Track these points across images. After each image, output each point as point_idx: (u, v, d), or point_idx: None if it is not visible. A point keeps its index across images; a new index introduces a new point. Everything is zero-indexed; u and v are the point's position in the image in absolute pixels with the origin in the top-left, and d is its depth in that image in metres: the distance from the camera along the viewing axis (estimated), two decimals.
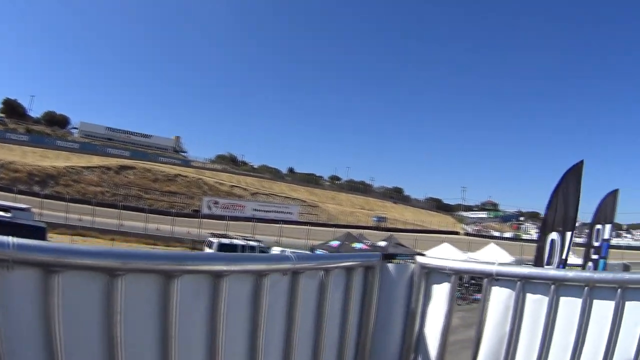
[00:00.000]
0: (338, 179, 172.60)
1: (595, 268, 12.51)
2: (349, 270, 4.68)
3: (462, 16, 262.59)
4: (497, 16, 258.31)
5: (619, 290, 4.02)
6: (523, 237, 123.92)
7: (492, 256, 43.65)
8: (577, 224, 9.52)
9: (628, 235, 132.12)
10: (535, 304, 4.38)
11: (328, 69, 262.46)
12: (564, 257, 9.02)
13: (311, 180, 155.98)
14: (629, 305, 4.00)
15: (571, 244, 9.12)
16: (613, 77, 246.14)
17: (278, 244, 52.85)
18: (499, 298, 4.58)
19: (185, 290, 3.28)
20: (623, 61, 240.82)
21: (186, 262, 3.37)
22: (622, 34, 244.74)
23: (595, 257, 12.61)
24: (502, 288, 4.57)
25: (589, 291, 4.15)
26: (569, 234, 9.02)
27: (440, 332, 4.80)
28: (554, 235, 9.14)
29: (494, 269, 4.64)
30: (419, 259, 5.11)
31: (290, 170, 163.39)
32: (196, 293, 3.41)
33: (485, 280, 4.67)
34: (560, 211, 9.28)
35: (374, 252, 5.22)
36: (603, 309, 4.09)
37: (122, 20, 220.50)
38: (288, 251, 33.13)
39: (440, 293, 4.89)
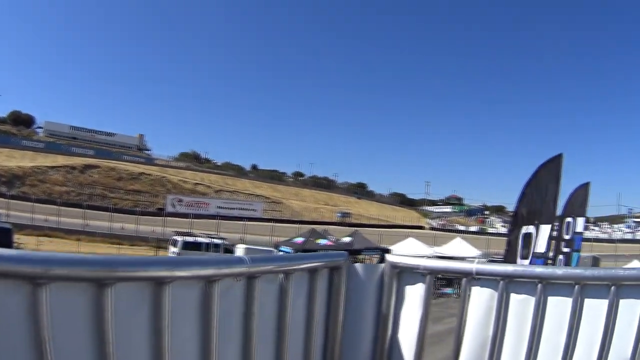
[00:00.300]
0: (301, 175, 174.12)
1: (567, 261, 12.43)
2: (312, 272, 4.19)
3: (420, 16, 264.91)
4: (460, 20, 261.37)
5: (612, 287, 3.69)
6: (489, 231, 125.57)
7: (458, 250, 44.77)
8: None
9: (596, 228, 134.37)
10: (521, 304, 4.02)
11: (289, 67, 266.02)
12: (537, 250, 8.94)
13: (274, 177, 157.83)
14: (624, 303, 3.68)
15: (550, 238, 9.07)
16: (577, 75, 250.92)
17: (243, 242, 52.57)
18: (480, 299, 4.19)
19: (121, 300, 2.76)
20: (587, 60, 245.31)
21: (119, 268, 2.80)
22: (573, 35, 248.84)
23: (566, 250, 12.49)
24: (483, 288, 4.18)
25: (580, 289, 3.81)
26: (544, 227, 8.90)
27: (416, 338, 4.37)
28: (529, 229, 8.95)
29: (473, 267, 4.22)
30: (389, 257, 4.59)
31: (254, 167, 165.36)
32: (135, 303, 2.88)
33: (464, 279, 4.26)
34: (535, 204, 9.19)
35: (339, 252, 4.69)
36: (596, 308, 3.76)
37: (81, 18, 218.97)
38: (241, 252, 32.97)
39: (414, 295, 4.45)
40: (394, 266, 4.49)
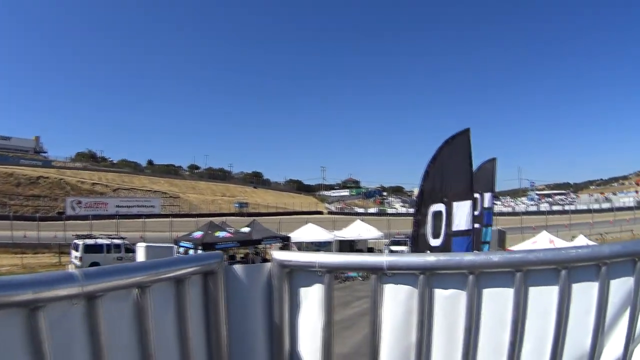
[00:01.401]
0: (197, 167, 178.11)
1: (478, 236, 12.42)
2: (178, 281, 3.29)
3: None
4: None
5: (562, 271, 3.33)
6: (388, 212, 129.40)
7: (359, 232, 47.20)
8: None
9: (497, 202, 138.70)
10: (449, 301, 3.42)
11: (177, 60, 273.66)
12: (457, 228, 8.92)
13: (171, 171, 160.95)
14: (578, 288, 3.39)
15: (471, 213, 9.25)
16: (478, 56, 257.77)
17: (143, 240, 51.65)
18: (397, 299, 3.48)
19: None
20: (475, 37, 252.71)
21: None
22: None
23: (476, 225, 12.31)
24: (399, 285, 3.48)
25: (523, 277, 3.32)
26: (461, 203, 8.92)
27: (320, 351, 3.60)
28: (439, 207, 8.72)
29: (383, 260, 3.48)
30: (276, 255, 3.75)
31: (150, 162, 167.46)
32: None
33: (374, 277, 3.51)
34: (444, 181, 9.22)
35: (212, 253, 3.89)
36: (544, 296, 3.39)
37: None
38: (142, 251, 32.06)
39: (312, 299, 3.65)
40: (283, 265, 3.68)
